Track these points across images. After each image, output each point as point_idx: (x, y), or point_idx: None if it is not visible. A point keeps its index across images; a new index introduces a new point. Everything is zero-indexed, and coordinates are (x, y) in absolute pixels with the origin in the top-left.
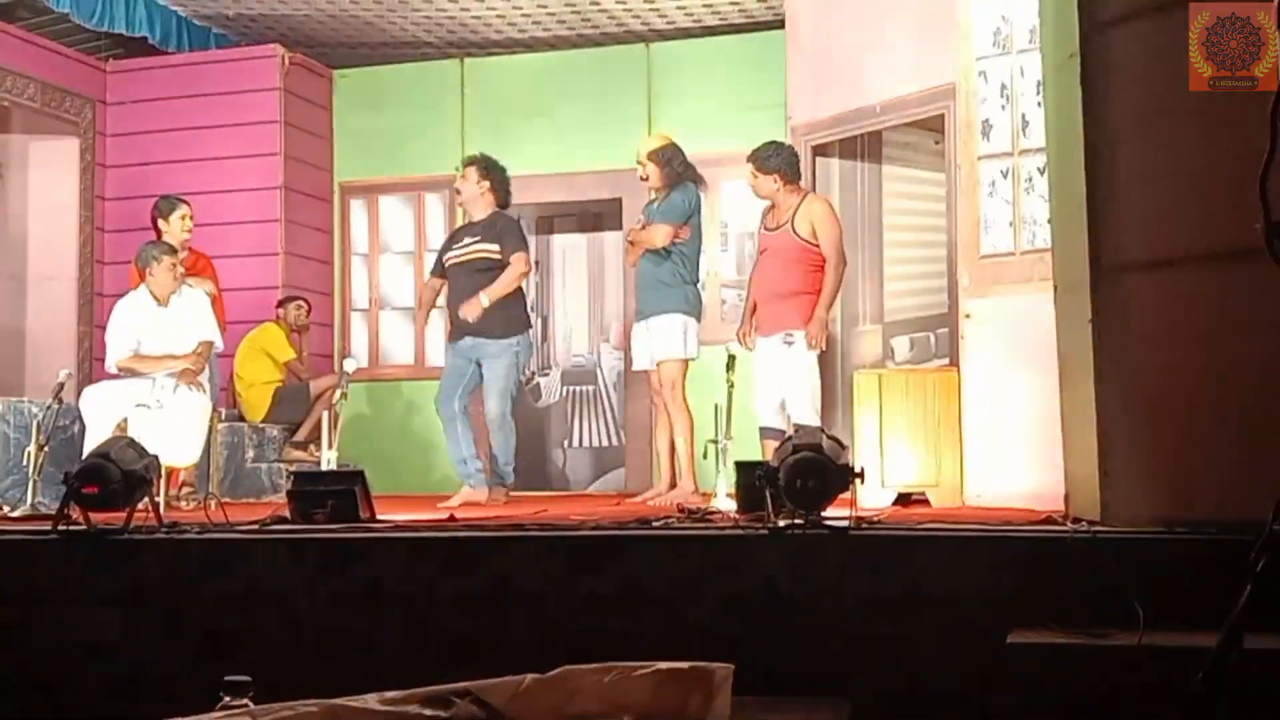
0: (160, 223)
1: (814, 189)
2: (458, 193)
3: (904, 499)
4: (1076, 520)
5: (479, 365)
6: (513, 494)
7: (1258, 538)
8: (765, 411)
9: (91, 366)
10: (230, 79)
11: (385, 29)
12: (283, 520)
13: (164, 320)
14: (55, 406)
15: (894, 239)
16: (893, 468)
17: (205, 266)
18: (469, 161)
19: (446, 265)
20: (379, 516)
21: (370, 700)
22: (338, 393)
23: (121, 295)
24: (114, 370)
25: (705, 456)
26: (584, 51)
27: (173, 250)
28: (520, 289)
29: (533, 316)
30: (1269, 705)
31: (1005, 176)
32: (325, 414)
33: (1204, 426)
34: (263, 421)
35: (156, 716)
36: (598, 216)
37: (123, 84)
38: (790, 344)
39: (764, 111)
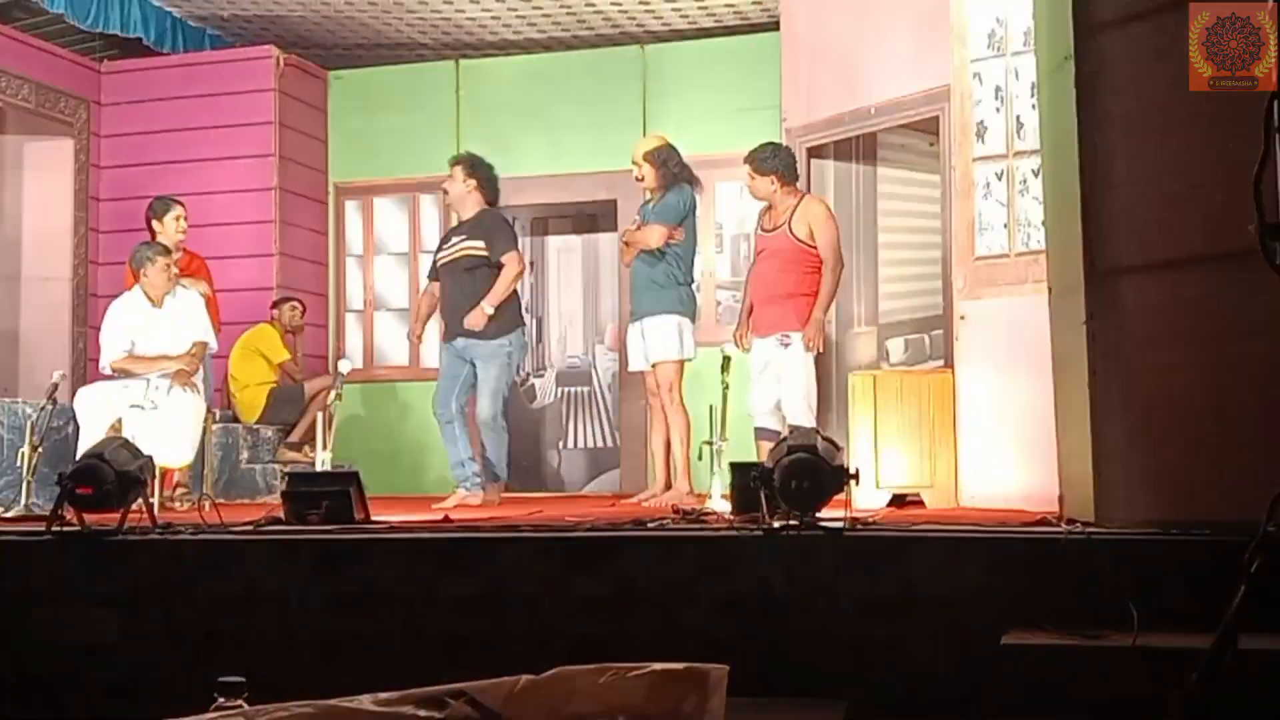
0: (154, 223)
1: (809, 191)
2: (445, 193)
3: (899, 500)
4: (1071, 521)
5: (474, 365)
6: (508, 495)
7: (1252, 539)
8: (761, 413)
9: (86, 367)
10: (225, 80)
11: (380, 30)
12: (277, 521)
13: (158, 321)
14: (49, 407)
15: (889, 241)
16: (887, 469)
17: (200, 267)
18: (455, 161)
19: (438, 266)
20: (374, 517)
21: (365, 701)
22: (332, 394)
23: (116, 296)
24: (108, 371)
25: (700, 458)
26: (579, 53)
27: (167, 251)
28: (514, 289)
29: (527, 318)
30: (1264, 705)
31: (1000, 178)
32: (320, 415)
33: (1198, 428)
34: (257, 422)
35: (152, 717)
36: (593, 218)
37: (117, 85)
38: (786, 345)
39: (759, 113)
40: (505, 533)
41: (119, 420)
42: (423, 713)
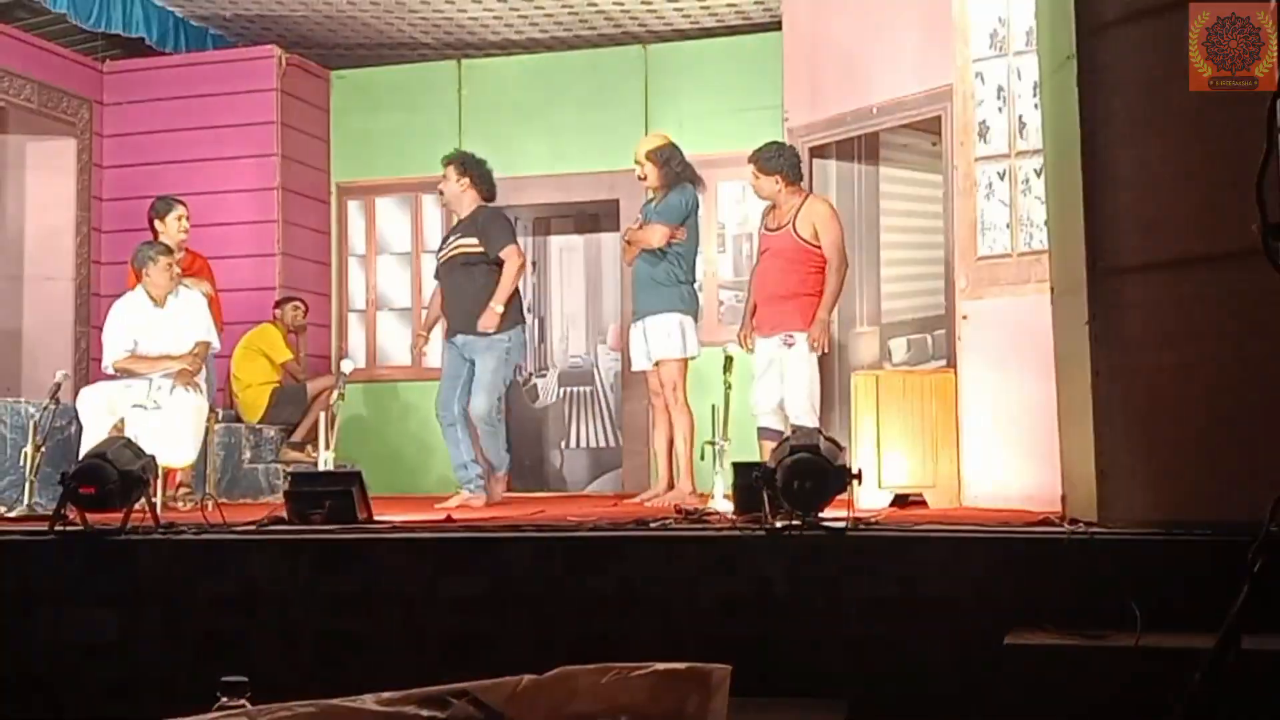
0: (157, 223)
1: (811, 190)
2: (440, 194)
3: (901, 500)
4: (1073, 521)
5: (473, 363)
6: (510, 495)
7: (1255, 539)
8: (763, 412)
9: (88, 367)
10: (227, 80)
11: (382, 30)
12: (280, 521)
13: (160, 321)
14: (52, 407)
15: (891, 240)
16: (890, 469)
17: (202, 267)
18: (446, 161)
19: (438, 266)
20: (376, 517)
21: (367, 701)
22: (335, 393)
23: (118, 296)
24: (110, 371)
25: (703, 458)
26: (581, 53)
27: (169, 251)
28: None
29: (529, 317)
30: (1267, 706)
31: (1002, 178)
32: (322, 415)
33: (1201, 428)
34: (260, 422)
35: (154, 717)
36: (595, 218)
37: (120, 85)
38: (790, 345)
39: (761, 113)
40: (507, 533)
41: (122, 420)
42: (425, 712)
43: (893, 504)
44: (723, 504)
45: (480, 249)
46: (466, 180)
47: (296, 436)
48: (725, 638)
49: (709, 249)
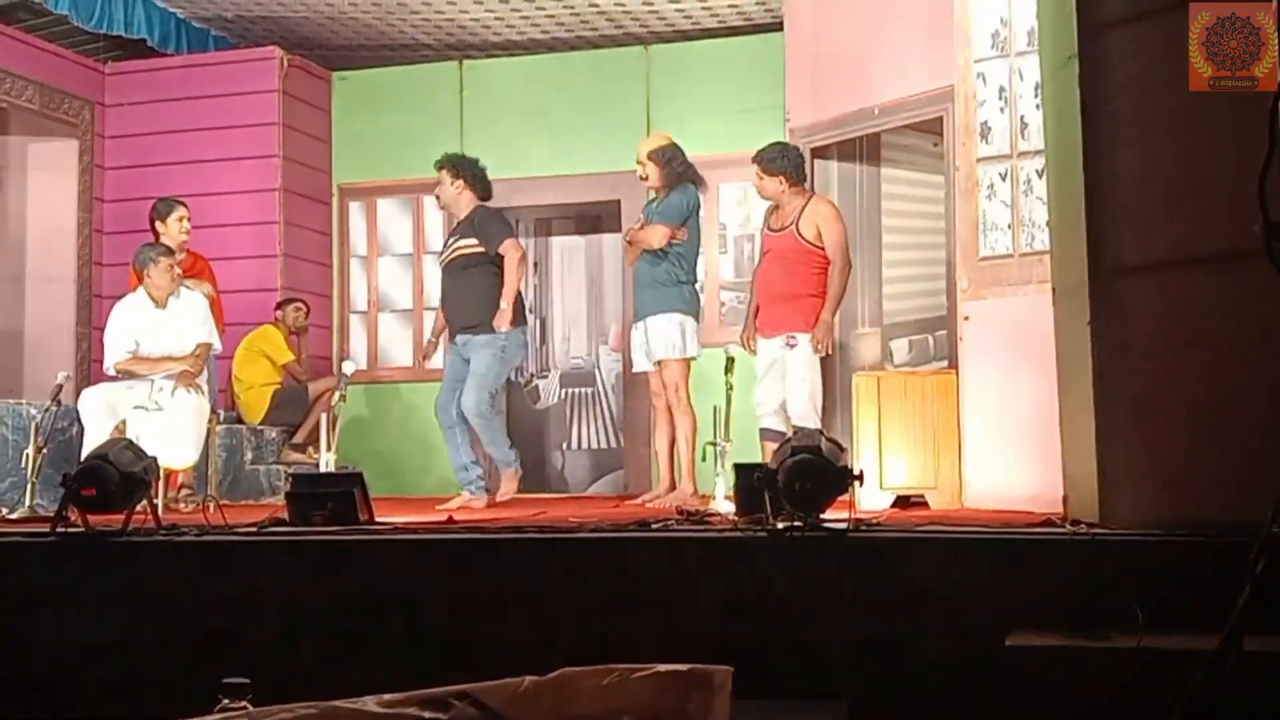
0: (158, 225)
1: (813, 191)
2: (437, 198)
3: (903, 501)
4: (1075, 522)
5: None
6: (512, 496)
7: (1256, 540)
8: (765, 413)
9: (90, 368)
10: (229, 81)
11: (384, 31)
12: (281, 522)
13: (162, 322)
14: (54, 408)
15: (893, 241)
16: (891, 470)
17: (203, 268)
18: (439, 165)
19: (441, 269)
20: (377, 519)
21: (368, 702)
22: (336, 395)
23: (120, 297)
24: (112, 372)
25: (704, 459)
26: (582, 54)
27: (170, 252)
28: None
29: (531, 318)
30: (1268, 707)
31: (1004, 179)
32: (324, 416)
33: (1203, 429)
34: (261, 423)
35: (155, 718)
36: (596, 218)
37: (121, 86)
38: (793, 346)
39: (763, 114)
40: (509, 534)
41: (123, 421)
42: (427, 714)
43: (894, 505)
44: (724, 505)
45: (480, 249)
46: (461, 182)
47: (298, 438)
48: (727, 639)
49: (710, 250)
